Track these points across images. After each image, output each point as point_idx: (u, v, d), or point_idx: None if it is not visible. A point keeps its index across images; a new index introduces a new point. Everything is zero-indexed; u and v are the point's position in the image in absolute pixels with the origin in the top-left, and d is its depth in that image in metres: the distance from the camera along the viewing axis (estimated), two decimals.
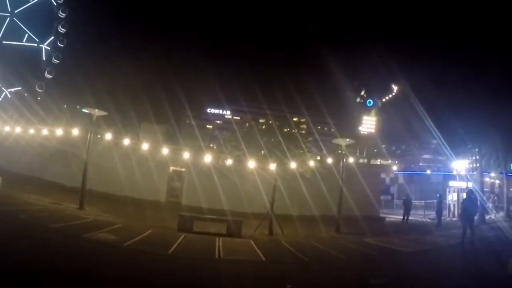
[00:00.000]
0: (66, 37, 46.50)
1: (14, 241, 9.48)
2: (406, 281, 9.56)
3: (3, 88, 44.73)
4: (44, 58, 46.51)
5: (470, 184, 30.04)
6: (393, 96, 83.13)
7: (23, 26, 45.42)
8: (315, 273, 10.55)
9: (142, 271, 8.77)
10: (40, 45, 46.49)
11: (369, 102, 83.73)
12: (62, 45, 46.30)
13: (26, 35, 45.82)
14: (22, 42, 45.88)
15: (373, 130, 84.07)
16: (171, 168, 26.00)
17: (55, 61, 45.91)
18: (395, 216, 29.70)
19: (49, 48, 46.41)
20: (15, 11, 45.11)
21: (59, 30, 45.90)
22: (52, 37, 46.33)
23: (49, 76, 45.50)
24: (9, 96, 44.04)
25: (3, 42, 44.60)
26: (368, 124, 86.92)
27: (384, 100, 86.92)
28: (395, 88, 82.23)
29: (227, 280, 8.95)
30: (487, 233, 20.08)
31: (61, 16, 45.77)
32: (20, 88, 44.48)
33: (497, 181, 40.15)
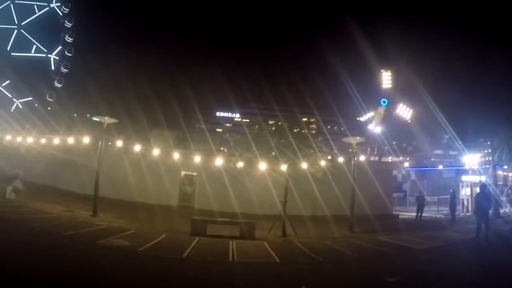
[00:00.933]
0: (73, 46, 46.95)
1: (27, 250, 9.56)
2: (421, 279, 9.50)
3: (14, 99, 45.21)
4: (53, 68, 46.95)
5: (483, 178, 29.83)
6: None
7: (30, 38, 45.91)
8: (329, 273, 10.52)
9: (157, 276, 8.82)
10: (49, 55, 46.94)
11: (384, 102, 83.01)
12: (70, 54, 46.78)
13: (34, 46, 46.32)
14: (31, 53, 46.38)
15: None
16: (183, 172, 26.09)
17: (64, 70, 46.36)
18: (409, 213, 29.57)
19: (57, 58, 46.86)
20: (22, 23, 45.60)
21: (66, 39, 46.36)
22: (60, 47, 46.78)
23: (59, 85, 45.92)
24: (21, 107, 44.52)
25: (12, 54, 45.07)
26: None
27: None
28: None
29: (242, 282, 8.97)
30: (502, 227, 19.96)
31: (68, 26, 46.24)
32: (31, 98, 44.94)
33: (511, 174, 39.80)
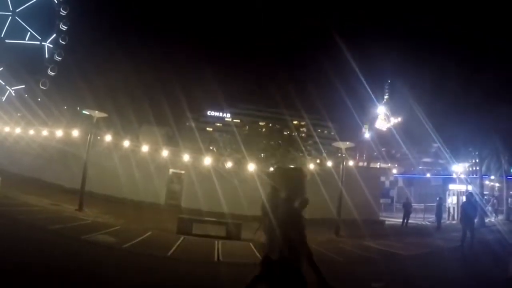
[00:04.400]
0: (67, 35, 46.67)
1: (11, 242, 9.46)
2: (406, 285, 9.53)
3: (7, 86, 44.81)
4: (46, 56, 46.62)
5: (470, 187, 30.07)
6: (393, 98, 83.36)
7: (25, 25, 45.53)
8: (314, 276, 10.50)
9: (140, 274, 8.75)
10: (43, 43, 46.60)
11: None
12: (64, 42, 46.52)
13: (28, 33, 45.96)
14: (25, 40, 46.02)
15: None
16: (171, 170, 26.00)
17: (58, 58, 46.13)
18: (395, 219, 29.65)
19: (51, 46, 46.54)
20: (17, 10, 45.19)
21: (61, 27, 46.09)
22: (54, 35, 46.46)
23: (52, 74, 45.68)
24: (14, 95, 44.15)
25: (6, 41, 44.68)
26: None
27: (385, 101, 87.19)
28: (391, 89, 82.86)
29: (226, 283, 8.92)
30: (486, 236, 20.09)
31: (62, 14, 45.96)
32: (23, 86, 44.62)
33: (497, 184, 40.17)
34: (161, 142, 25.84)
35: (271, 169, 19.99)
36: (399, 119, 78.15)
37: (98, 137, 22.84)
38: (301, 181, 4.70)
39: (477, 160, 37.42)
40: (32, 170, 24.01)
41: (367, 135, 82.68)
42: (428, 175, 53.63)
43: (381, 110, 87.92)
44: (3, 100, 43.27)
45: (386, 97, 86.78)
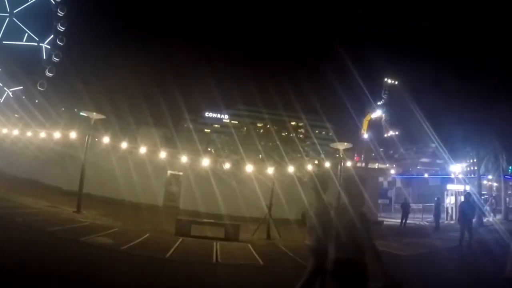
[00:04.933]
0: (65, 36, 46.66)
1: (8, 244, 9.43)
2: (405, 285, 9.52)
3: (5, 88, 44.76)
4: (44, 57, 46.60)
5: (468, 187, 30.12)
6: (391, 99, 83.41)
7: (22, 26, 45.53)
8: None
9: (138, 276, 8.73)
10: (40, 44, 46.60)
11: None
12: (61, 44, 46.54)
13: (26, 34, 45.99)
14: (22, 41, 46.01)
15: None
16: (169, 172, 26.00)
17: (55, 59, 46.15)
18: (393, 220, 29.69)
19: (49, 47, 46.54)
20: (14, 11, 45.17)
21: (58, 28, 46.10)
22: (52, 36, 46.45)
23: (50, 75, 45.68)
24: (11, 96, 44.11)
25: (3, 42, 44.64)
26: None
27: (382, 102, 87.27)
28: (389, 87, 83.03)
29: (224, 284, 8.92)
30: (485, 236, 20.13)
31: (60, 15, 45.97)
32: (21, 87, 44.59)
33: (495, 184, 40.23)
34: (159, 143, 25.79)
35: (269, 170, 19.98)
36: (395, 131, 78.67)
37: (96, 139, 22.79)
38: (361, 188, 5.16)
39: (475, 160, 37.52)
40: (30, 172, 24.00)
41: (365, 130, 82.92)
42: (426, 175, 53.73)
43: (378, 113, 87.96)
44: (1, 102, 43.24)
45: (384, 97, 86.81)
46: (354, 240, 4.63)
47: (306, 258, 12.42)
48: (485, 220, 27.14)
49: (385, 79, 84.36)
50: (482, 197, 31.60)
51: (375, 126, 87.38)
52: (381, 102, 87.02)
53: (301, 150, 24.87)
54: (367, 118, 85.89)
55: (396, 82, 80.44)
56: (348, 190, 5.12)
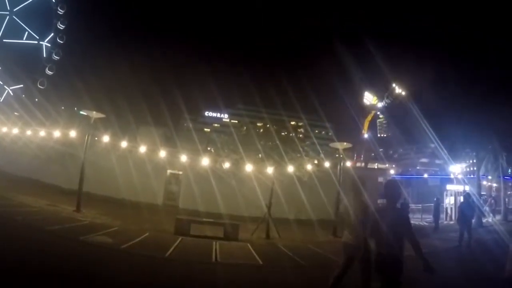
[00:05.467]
0: (65, 34, 46.66)
1: (8, 243, 9.43)
2: (405, 284, 9.53)
3: (5, 86, 44.74)
4: (44, 55, 46.60)
5: (467, 188, 30.09)
6: (391, 100, 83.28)
7: (23, 24, 45.55)
8: (312, 277, 10.50)
9: (138, 274, 8.74)
10: (40, 42, 46.62)
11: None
12: (61, 42, 46.59)
13: (26, 33, 46.03)
14: (23, 40, 46.04)
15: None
16: (169, 171, 26.01)
17: (55, 57, 46.26)
18: None
19: (49, 45, 46.54)
20: (14, 10, 45.21)
21: (58, 26, 46.13)
22: (52, 34, 46.48)
23: (50, 73, 45.70)
24: (11, 94, 44.10)
25: (4, 40, 44.65)
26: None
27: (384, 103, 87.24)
28: (394, 92, 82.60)
29: (223, 283, 8.93)
30: (484, 236, 20.13)
31: (60, 13, 46.00)
32: (21, 85, 44.59)
33: (494, 185, 40.22)
34: (159, 143, 25.81)
35: (269, 170, 19.98)
36: (392, 135, 78.74)
37: (96, 138, 22.80)
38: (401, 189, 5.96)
39: (475, 161, 37.52)
40: (30, 170, 23.97)
41: (365, 130, 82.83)
42: (425, 175, 53.69)
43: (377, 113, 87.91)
44: (1, 100, 43.24)
45: (385, 97, 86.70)
46: (396, 235, 5.51)
47: (305, 258, 12.46)
48: (484, 220, 27.11)
49: (392, 85, 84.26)
50: (482, 198, 31.57)
51: (375, 126, 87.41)
52: (382, 103, 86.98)
53: (301, 149, 24.88)
54: (368, 118, 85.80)
55: (395, 85, 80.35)
56: (392, 193, 6.13)
